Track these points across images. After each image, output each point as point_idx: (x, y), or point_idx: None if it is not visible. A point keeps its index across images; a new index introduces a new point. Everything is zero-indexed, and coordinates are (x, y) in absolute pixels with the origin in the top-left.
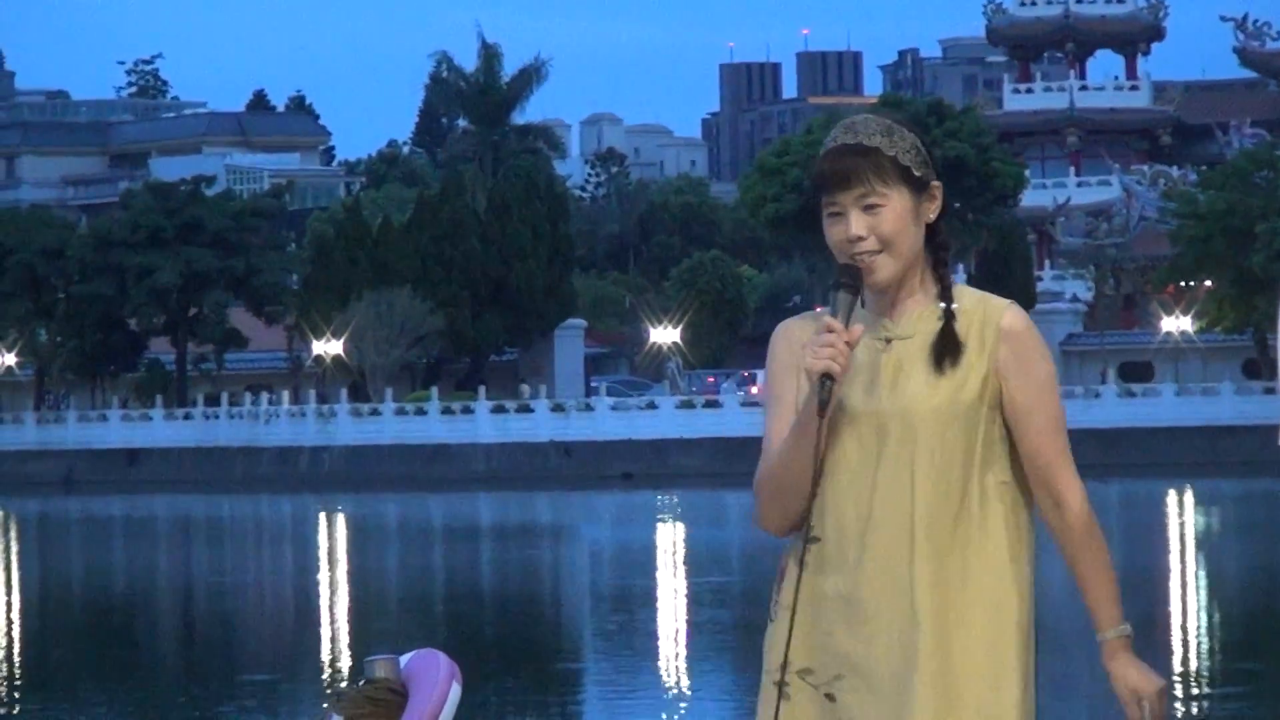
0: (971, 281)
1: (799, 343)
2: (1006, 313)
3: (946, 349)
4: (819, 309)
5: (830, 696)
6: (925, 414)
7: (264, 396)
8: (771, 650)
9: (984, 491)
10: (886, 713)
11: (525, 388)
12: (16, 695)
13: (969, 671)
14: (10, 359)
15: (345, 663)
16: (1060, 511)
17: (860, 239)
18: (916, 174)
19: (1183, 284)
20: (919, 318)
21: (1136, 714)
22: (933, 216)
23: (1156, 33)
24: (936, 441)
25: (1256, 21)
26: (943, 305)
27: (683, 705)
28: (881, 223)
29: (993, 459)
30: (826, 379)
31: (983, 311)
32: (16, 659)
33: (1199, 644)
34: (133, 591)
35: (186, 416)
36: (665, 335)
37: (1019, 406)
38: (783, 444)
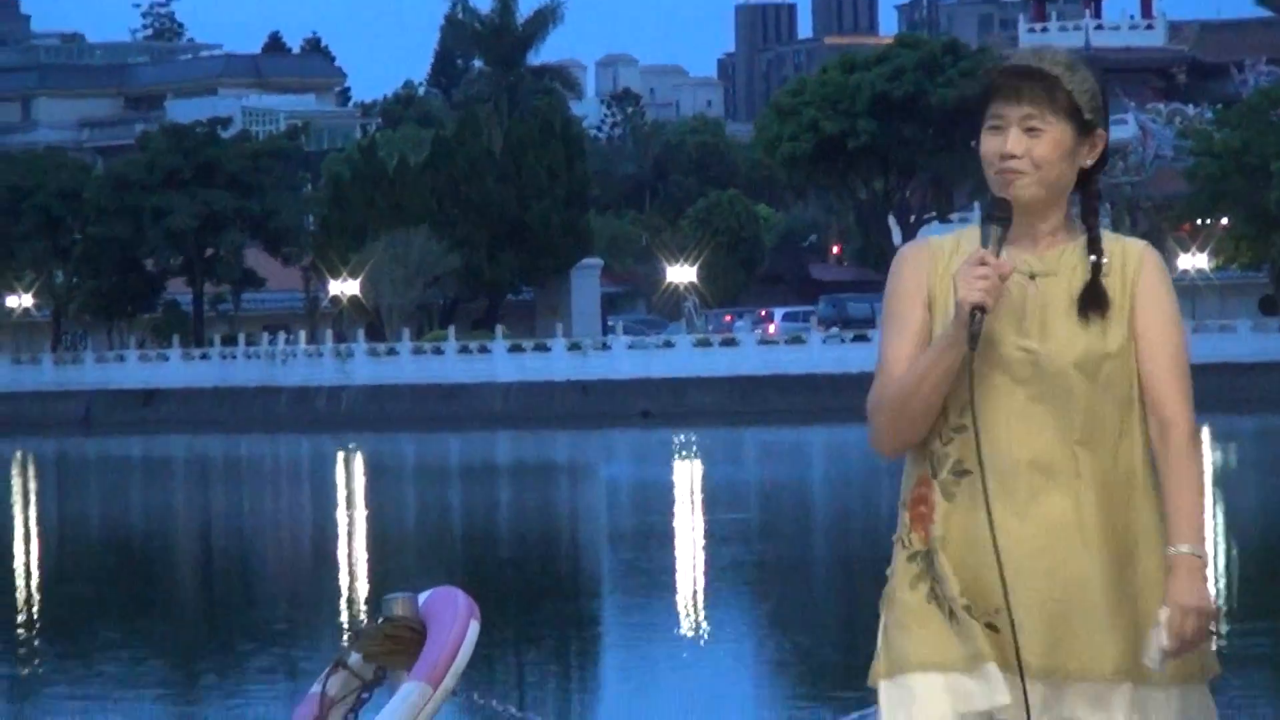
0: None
1: (926, 268)
2: (1146, 251)
3: (1094, 302)
4: (953, 232)
5: (992, 627)
6: (1075, 358)
7: (281, 337)
8: (943, 579)
9: (1133, 430)
10: (1048, 647)
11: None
12: (36, 634)
13: (1144, 608)
14: (28, 300)
15: (364, 601)
16: (1166, 432)
17: (1014, 156)
18: (1086, 115)
19: (1199, 221)
20: (1061, 255)
21: (1174, 629)
22: (1089, 163)
23: None
24: (1093, 382)
25: None
26: (1092, 258)
27: (700, 642)
28: (1037, 146)
29: (1135, 404)
30: (978, 311)
31: (1121, 250)
32: (36, 598)
33: (1218, 580)
34: (151, 531)
35: (204, 357)
36: (682, 274)
37: (1149, 336)
38: (914, 368)
